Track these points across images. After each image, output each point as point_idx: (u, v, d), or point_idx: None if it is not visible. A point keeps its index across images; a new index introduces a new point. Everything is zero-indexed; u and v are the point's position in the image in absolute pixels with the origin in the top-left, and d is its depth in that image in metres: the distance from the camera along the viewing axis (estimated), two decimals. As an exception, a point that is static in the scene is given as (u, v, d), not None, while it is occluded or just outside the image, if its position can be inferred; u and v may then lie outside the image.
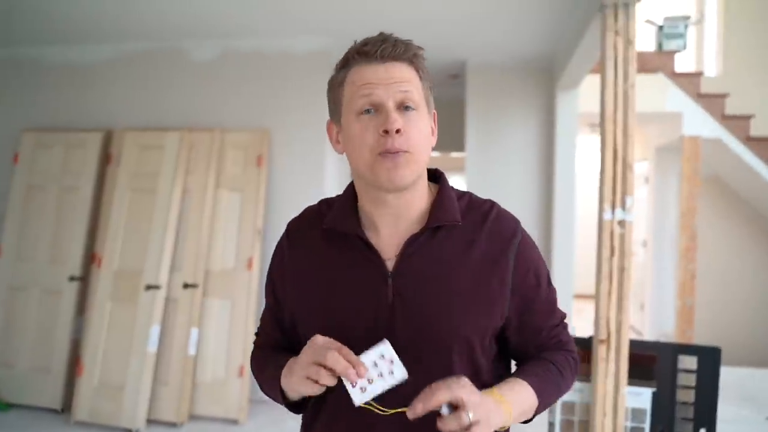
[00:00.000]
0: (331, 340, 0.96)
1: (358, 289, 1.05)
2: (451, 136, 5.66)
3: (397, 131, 0.99)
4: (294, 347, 1.11)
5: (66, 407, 4.13)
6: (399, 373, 0.89)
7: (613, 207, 2.77)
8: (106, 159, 4.41)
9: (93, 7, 3.79)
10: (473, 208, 1.11)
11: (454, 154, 6.77)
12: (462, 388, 0.91)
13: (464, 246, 1.06)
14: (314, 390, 0.96)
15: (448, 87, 5.55)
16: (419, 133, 1.01)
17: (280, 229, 1.29)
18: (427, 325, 1.03)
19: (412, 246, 1.05)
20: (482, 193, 1.18)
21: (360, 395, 0.89)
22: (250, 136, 4.29)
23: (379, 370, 0.90)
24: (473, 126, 4.93)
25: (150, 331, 3.92)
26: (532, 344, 1.14)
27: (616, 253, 2.74)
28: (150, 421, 3.95)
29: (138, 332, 3.95)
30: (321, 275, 1.09)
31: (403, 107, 1.01)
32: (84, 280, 4.26)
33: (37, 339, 4.27)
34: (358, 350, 0.97)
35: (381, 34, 1.04)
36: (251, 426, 3.99)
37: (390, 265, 1.05)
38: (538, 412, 1.08)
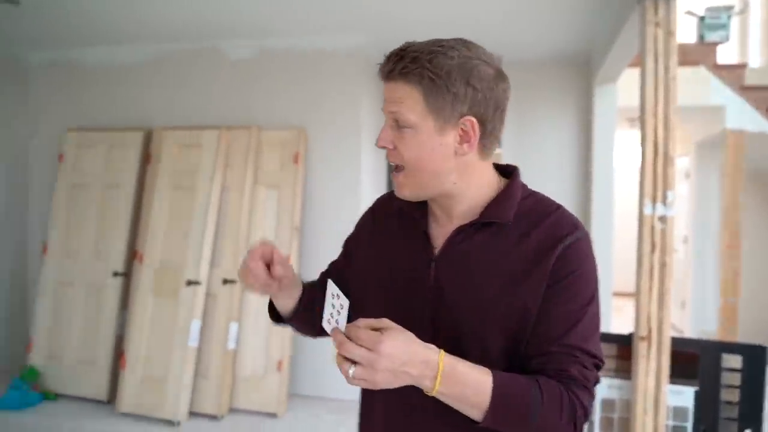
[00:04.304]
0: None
1: (408, 269, 1.13)
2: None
3: (384, 147, 1.08)
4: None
5: (111, 398, 4.24)
6: (345, 302, 0.98)
7: (654, 202, 2.73)
8: (146, 157, 4.51)
9: (132, 9, 3.87)
10: (535, 209, 1.11)
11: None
12: (360, 341, 0.93)
13: (511, 244, 1.07)
14: (254, 285, 1.17)
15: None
16: (411, 150, 1.05)
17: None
18: (463, 312, 1.06)
19: (458, 236, 1.10)
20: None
21: (329, 326, 1.01)
22: (287, 134, 4.34)
23: (334, 305, 1.00)
24: (509, 123, 4.88)
25: (191, 326, 4.01)
26: (536, 356, 1.05)
27: (657, 249, 2.70)
28: (192, 414, 4.03)
29: (179, 327, 4.03)
30: (385, 251, 1.19)
31: (397, 125, 1.06)
32: (127, 275, 4.37)
33: (83, 332, 4.40)
34: (411, 326, 1.02)
35: (401, 46, 1.06)
36: (289, 419, 4.04)
37: (437, 251, 1.11)
38: (487, 419, 0.98)
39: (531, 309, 1.04)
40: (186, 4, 3.73)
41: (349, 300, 1.00)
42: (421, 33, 1.38)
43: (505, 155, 4.90)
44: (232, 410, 4.14)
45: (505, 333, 1.05)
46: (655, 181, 2.72)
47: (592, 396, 1.05)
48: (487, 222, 1.09)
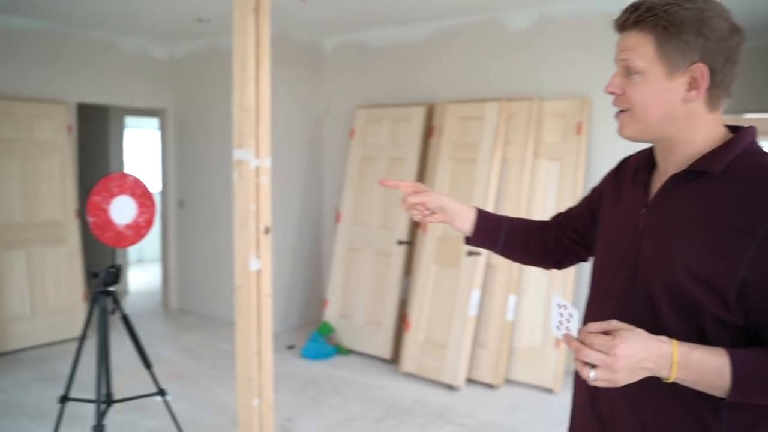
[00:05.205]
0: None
1: (626, 213, 1.20)
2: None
3: (613, 93, 1.14)
4: (548, 237, 1.47)
5: (394, 358, 4.56)
6: (574, 312, 1.04)
7: None
8: (428, 131, 4.70)
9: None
10: (753, 168, 1.06)
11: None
12: (595, 346, 0.97)
13: (718, 199, 1.05)
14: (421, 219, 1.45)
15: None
16: (638, 94, 1.09)
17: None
18: (657, 261, 1.09)
19: (669, 185, 1.12)
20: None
21: (558, 332, 1.08)
22: (568, 104, 4.17)
23: (562, 314, 1.06)
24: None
25: (471, 295, 4.10)
26: None
27: None
28: (469, 380, 4.15)
29: (460, 295, 4.16)
30: (616, 199, 1.28)
31: (627, 72, 1.11)
32: (410, 244, 4.62)
33: (370, 295, 4.78)
34: (616, 265, 1.17)
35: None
36: (566, 397, 3.94)
37: (651, 199, 1.16)
38: (736, 397, 1.00)
39: (730, 272, 1.01)
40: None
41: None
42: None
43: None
44: (508, 381, 4.17)
45: (696, 288, 1.04)
46: None
47: None
48: (697, 172, 1.08)
